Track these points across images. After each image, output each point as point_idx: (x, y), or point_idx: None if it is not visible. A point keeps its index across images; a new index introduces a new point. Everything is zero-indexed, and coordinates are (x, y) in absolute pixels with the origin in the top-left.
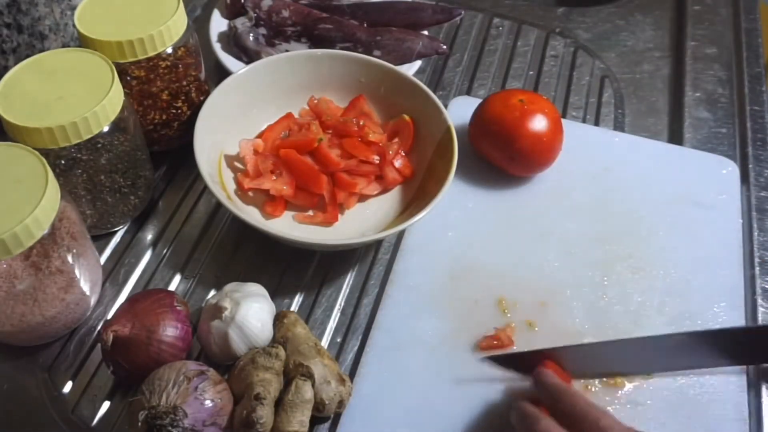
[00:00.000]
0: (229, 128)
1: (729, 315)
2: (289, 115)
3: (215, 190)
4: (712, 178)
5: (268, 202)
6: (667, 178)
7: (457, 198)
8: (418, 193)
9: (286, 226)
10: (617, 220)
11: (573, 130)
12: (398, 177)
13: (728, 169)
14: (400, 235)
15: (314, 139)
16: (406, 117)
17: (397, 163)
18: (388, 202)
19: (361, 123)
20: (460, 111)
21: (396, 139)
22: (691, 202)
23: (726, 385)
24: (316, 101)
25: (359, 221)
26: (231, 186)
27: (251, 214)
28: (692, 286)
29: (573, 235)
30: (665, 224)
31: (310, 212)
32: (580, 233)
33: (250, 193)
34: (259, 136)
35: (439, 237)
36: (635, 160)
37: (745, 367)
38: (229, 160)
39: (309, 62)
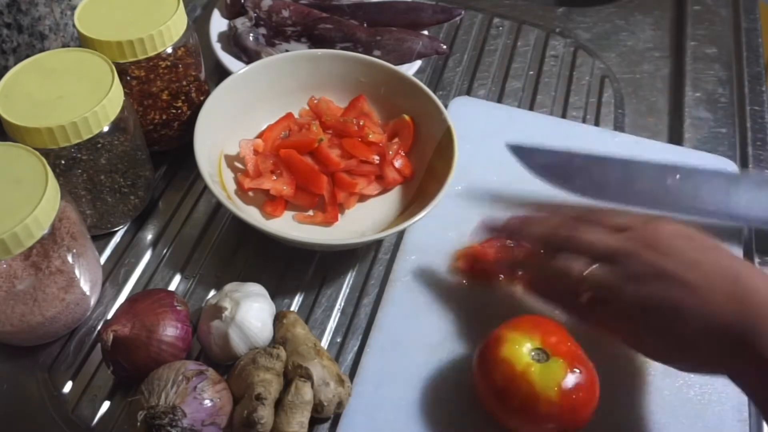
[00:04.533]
0: (229, 128)
1: None
2: (289, 115)
3: (215, 190)
4: None
5: (268, 202)
6: None
7: (457, 198)
8: (418, 193)
9: (286, 226)
10: None
11: (573, 130)
12: (398, 177)
13: (728, 170)
14: (400, 235)
15: (314, 140)
16: (406, 117)
17: (397, 163)
18: (388, 202)
19: (361, 123)
20: (460, 111)
21: (396, 139)
22: None
23: (726, 386)
24: (316, 101)
25: (359, 221)
26: (231, 186)
27: (251, 214)
28: None
29: None
30: None
31: (310, 212)
32: None
33: (250, 193)
34: (259, 136)
35: (439, 237)
36: None
37: None
38: (229, 160)
39: (309, 62)
